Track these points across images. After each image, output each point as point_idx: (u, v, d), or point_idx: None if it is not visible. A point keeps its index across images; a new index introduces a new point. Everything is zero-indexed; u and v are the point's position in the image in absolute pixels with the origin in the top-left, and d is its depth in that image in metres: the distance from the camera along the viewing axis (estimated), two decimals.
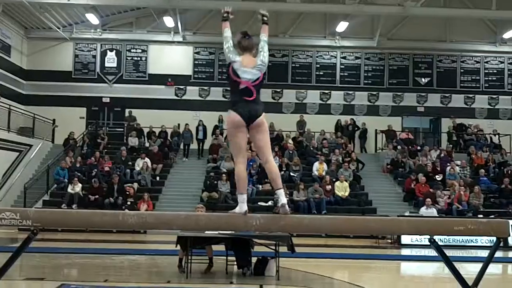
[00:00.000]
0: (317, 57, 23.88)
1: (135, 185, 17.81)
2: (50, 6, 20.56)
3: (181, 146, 21.39)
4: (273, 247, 8.57)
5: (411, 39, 23.39)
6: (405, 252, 13.79)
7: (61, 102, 22.57)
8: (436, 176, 18.63)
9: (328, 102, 23.67)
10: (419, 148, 21.55)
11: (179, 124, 21.84)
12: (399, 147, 21.14)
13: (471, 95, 23.96)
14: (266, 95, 23.34)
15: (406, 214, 15.66)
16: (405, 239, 14.23)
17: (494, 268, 10.32)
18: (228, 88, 5.00)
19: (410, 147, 21.29)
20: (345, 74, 23.90)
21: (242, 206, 4.58)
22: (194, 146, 21.19)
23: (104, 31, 23.38)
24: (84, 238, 13.61)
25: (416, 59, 24.18)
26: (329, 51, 23.89)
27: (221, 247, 8.89)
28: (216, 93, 23.32)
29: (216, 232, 7.71)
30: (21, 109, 20.91)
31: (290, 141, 20.94)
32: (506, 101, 24.01)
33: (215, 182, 17.68)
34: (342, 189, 17.62)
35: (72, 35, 23.21)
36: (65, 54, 23.50)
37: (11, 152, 18.76)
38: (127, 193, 16.87)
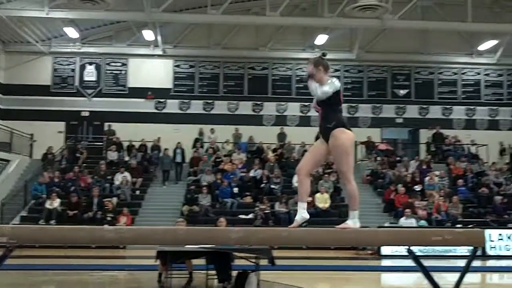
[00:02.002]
0: (296, 69, 24.03)
1: (115, 199, 17.65)
2: (28, 20, 20.43)
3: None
4: (254, 260, 8.54)
5: (389, 52, 23.70)
6: (385, 263, 13.84)
7: (39, 116, 22.33)
8: (415, 187, 18.81)
9: (308, 114, 23.78)
10: (398, 159, 21.75)
11: (159, 138, 21.75)
12: (378, 158, 21.32)
13: (448, 106, 24.31)
14: (246, 107, 23.43)
15: (386, 224, 15.75)
16: (385, 250, 14.30)
17: (472, 278, 10.41)
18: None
19: (389, 158, 21.47)
20: None
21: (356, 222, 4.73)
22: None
23: (83, 45, 23.25)
24: (62, 254, 13.38)
25: (394, 71, 24.49)
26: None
27: (201, 261, 8.82)
28: (197, 106, 23.33)
29: (196, 246, 7.66)
30: None
31: (271, 153, 20.98)
32: (483, 111, 24.39)
33: (196, 195, 17.60)
34: (322, 200, 17.66)
35: (51, 49, 23.06)
36: (44, 68, 23.31)
37: None
38: (106, 207, 16.69)
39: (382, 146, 22.51)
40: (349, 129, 4.80)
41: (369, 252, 14.77)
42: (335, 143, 4.74)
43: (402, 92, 24.38)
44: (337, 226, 4.79)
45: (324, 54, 5.08)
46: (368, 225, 15.05)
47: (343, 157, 4.75)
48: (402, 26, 21.13)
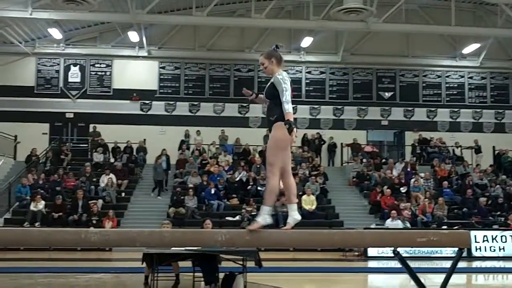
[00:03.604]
0: None
1: (100, 201, 17.50)
2: (11, 20, 20.21)
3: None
4: (241, 262, 8.52)
5: (374, 54, 23.83)
6: (371, 264, 13.90)
7: (23, 117, 22.07)
8: (401, 188, 18.93)
9: (294, 116, 23.74)
10: (383, 161, 21.88)
11: (144, 140, 21.65)
12: (364, 160, 21.42)
13: (433, 109, 24.50)
14: (232, 109, 23.40)
15: (372, 226, 15.83)
16: (372, 251, 14.36)
17: (458, 279, 10.49)
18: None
19: (375, 160, 21.58)
20: (311, 88, 24.15)
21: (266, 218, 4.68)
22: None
23: (67, 46, 23.06)
24: (47, 257, 13.25)
25: (379, 73, 24.63)
26: (295, 66, 24.12)
27: (187, 263, 8.78)
28: (182, 108, 23.25)
29: (183, 248, 7.62)
30: None
31: (257, 155, 20.98)
32: (467, 114, 24.62)
33: (182, 197, 17.53)
34: (309, 202, 17.68)
35: (35, 49, 22.84)
36: (27, 69, 23.08)
37: None
38: (92, 210, 16.56)
39: (368, 148, 22.64)
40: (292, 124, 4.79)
41: (356, 253, 14.82)
42: (272, 136, 4.80)
43: (387, 94, 24.53)
44: (248, 227, 4.77)
45: (277, 46, 5.08)
46: (354, 226, 15.18)
47: (275, 150, 4.77)
48: (387, 29, 21.29)
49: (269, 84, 4.93)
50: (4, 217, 17.13)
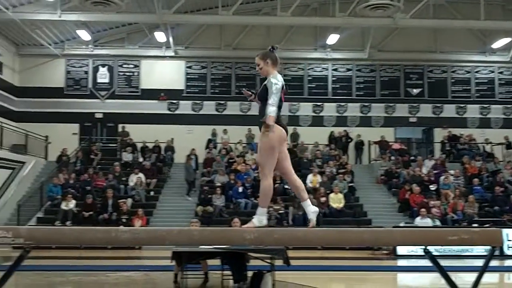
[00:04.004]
0: (308, 69, 23.99)
1: (129, 200, 17.73)
2: (41, 23, 20.59)
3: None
4: (269, 261, 8.54)
5: (402, 51, 23.56)
6: (401, 263, 13.75)
7: (53, 118, 22.51)
8: (430, 186, 18.68)
9: (321, 114, 23.76)
10: (412, 158, 21.62)
11: (172, 139, 21.83)
12: (392, 157, 21.20)
13: (462, 105, 24.10)
14: (258, 108, 23.33)
15: (401, 224, 15.66)
16: (401, 249, 14.21)
17: (490, 278, 10.31)
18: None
19: (403, 157, 21.34)
20: (337, 86, 24.02)
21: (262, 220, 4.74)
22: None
23: (96, 47, 23.41)
24: (78, 255, 13.49)
25: (407, 70, 24.34)
26: (321, 63, 24.03)
27: (216, 262, 8.83)
28: (209, 107, 23.36)
29: (211, 247, 7.67)
30: (13, 126, 20.80)
31: None
32: (497, 110, 24.16)
33: (210, 196, 17.63)
34: (336, 200, 17.60)
35: (64, 51, 23.24)
36: (57, 70, 23.50)
37: (4, 170, 18.67)
38: (121, 209, 16.77)
39: (396, 146, 22.40)
40: (281, 125, 4.81)
41: (385, 252, 14.70)
42: (262, 136, 4.80)
43: (415, 91, 24.23)
44: (243, 226, 4.78)
45: (273, 47, 5.05)
46: (382, 225, 15.05)
47: (266, 151, 4.78)
48: (414, 24, 21.01)
49: (262, 85, 4.90)
50: (37, 216, 17.49)
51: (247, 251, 8.23)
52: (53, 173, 19.49)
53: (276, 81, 4.80)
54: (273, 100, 4.73)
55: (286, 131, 4.89)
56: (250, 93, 5.13)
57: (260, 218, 4.72)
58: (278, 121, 4.79)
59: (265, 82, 4.89)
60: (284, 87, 4.87)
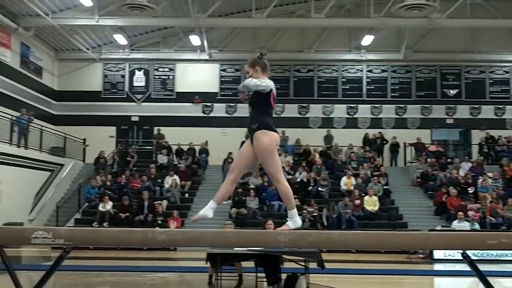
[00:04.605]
0: (343, 71, 23.85)
1: (165, 202, 17.94)
2: (79, 28, 21.06)
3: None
4: (303, 263, 8.52)
5: (438, 51, 23.18)
6: (438, 267, 13.52)
7: (91, 121, 23.01)
8: (468, 189, 18.31)
9: (355, 116, 23.59)
10: (449, 160, 21.23)
11: (207, 141, 22.01)
12: (428, 160, 20.87)
13: (501, 106, 23.55)
14: (292, 110, 23.40)
15: (438, 228, 15.40)
16: (438, 253, 13.97)
17: None
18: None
19: (440, 159, 20.98)
20: (372, 87, 23.80)
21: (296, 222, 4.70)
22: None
23: (132, 51, 23.81)
24: (114, 256, 13.73)
25: (443, 70, 23.94)
26: (355, 65, 23.86)
27: (250, 264, 8.86)
28: (243, 110, 23.17)
29: (245, 249, 7.71)
30: (52, 129, 21.32)
31: (318, 155, 20.88)
32: None
33: (244, 198, 17.69)
34: (371, 203, 17.44)
35: (101, 55, 23.72)
36: (95, 74, 24.01)
37: (43, 172, 19.15)
38: (157, 210, 16.99)
39: (432, 148, 22.03)
40: (274, 131, 4.78)
41: (421, 256, 14.48)
42: (258, 145, 4.74)
43: (452, 92, 23.81)
44: (278, 229, 4.72)
45: (262, 55, 5.03)
46: (419, 228, 14.84)
47: (268, 158, 4.74)
48: (451, 24, 20.63)
49: (253, 92, 4.85)
50: (75, 217, 17.88)
51: (281, 253, 8.24)
52: (90, 175, 19.90)
53: (264, 82, 4.79)
54: (253, 82, 4.73)
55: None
56: (246, 97, 5.10)
57: (294, 220, 4.73)
58: (270, 127, 4.78)
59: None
60: (273, 91, 4.86)
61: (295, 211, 4.78)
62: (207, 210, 4.79)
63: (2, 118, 17.12)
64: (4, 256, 4.57)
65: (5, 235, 4.70)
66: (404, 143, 22.51)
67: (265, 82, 4.79)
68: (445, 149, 23.04)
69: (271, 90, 4.83)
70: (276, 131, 4.80)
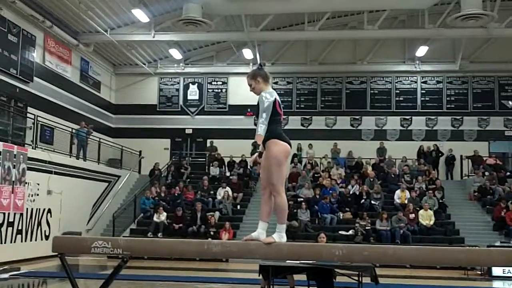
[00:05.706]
0: (396, 82, 23.53)
1: (217, 213, 18.14)
2: (136, 43, 21.71)
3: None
4: (356, 278, 8.43)
5: (496, 61, 22.52)
6: (496, 284, 13.06)
7: (147, 134, 23.62)
8: None
9: (409, 128, 23.19)
10: (508, 174, 20.51)
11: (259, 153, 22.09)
12: (486, 173, 20.23)
13: None
14: (344, 122, 23.25)
15: (497, 244, 14.87)
16: (497, 270, 13.48)
17: None
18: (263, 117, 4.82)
19: (498, 173, 20.30)
20: (427, 99, 23.36)
21: (282, 237, 4.65)
22: None
23: (186, 65, 24.32)
24: (168, 266, 13.97)
25: (501, 81, 23.22)
26: (409, 76, 23.50)
27: (303, 277, 8.84)
28: (294, 122, 23.45)
29: (298, 262, 7.70)
30: (110, 141, 22.00)
31: (370, 168, 20.62)
32: None
33: (295, 210, 17.66)
34: (426, 217, 17.04)
35: (157, 70, 24.35)
36: (150, 88, 24.65)
37: (100, 183, 19.73)
38: (209, 222, 17.20)
39: (490, 161, 21.35)
40: (284, 141, 4.71)
41: (478, 272, 14.02)
42: (268, 154, 4.69)
43: (511, 103, 23.04)
44: (261, 240, 4.62)
45: (261, 65, 5.02)
46: (476, 243, 14.37)
47: (274, 169, 4.67)
48: (510, 34, 20.03)
49: (257, 102, 4.83)
50: (130, 227, 18.32)
51: (334, 267, 8.18)
52: (145, 186, 20.38)
53: (268, 96, 4.77)
54: (263, 118, 4.67)
55: (290, 145, 4.80)
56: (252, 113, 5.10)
57: (281, 235, 4.69)
58: (281, 136, 4.74)
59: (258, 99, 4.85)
60: (279, 102, 4.82)
61: (284, 226, 4.73)
62: (260, 233, 4.73)
63: (63, 130, 17.79)
64: (66, 264, 4.77)
65: (66, 244, 4.91)
66: (461, 155, 21.93)
67: (269, 95, 4.79)
68: (504, 162, 22.28)
69: (275, 99, 4.81)
70: (287, 141, 4.77)
